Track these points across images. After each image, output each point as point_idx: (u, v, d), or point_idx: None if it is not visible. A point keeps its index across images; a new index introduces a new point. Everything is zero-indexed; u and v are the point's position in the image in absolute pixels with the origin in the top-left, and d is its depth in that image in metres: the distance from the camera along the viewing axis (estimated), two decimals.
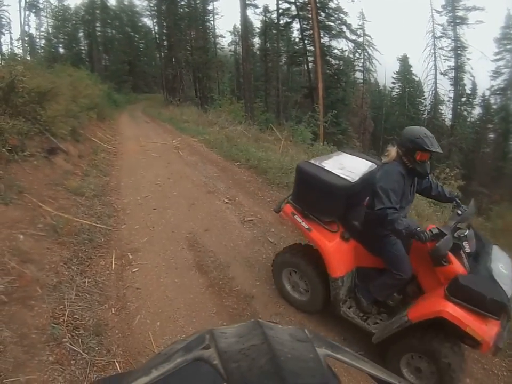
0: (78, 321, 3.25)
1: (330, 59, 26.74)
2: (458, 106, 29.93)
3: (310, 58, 26.92)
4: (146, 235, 5.23)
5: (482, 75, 32.59)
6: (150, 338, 3.26)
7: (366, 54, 31.55)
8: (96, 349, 3.02)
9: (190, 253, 4.80)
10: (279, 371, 0.47)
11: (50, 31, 35.39)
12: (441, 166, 18.51)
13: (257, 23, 32.89)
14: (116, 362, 2.95)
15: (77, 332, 3.12)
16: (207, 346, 0.53)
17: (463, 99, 30.05)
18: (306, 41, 27.04)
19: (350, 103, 27.59)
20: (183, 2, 30.70)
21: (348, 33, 27.49)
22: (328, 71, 25.93)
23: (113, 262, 4.40)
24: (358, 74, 32.96)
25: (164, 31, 32.16)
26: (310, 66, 27.23)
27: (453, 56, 28.72)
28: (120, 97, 27.57)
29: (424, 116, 35.06)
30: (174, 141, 12.31)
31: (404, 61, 35.46)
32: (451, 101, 30.02)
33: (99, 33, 37.10)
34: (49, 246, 4.23)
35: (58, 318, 3.19)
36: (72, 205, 5.59)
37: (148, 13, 35.19)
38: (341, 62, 27.74)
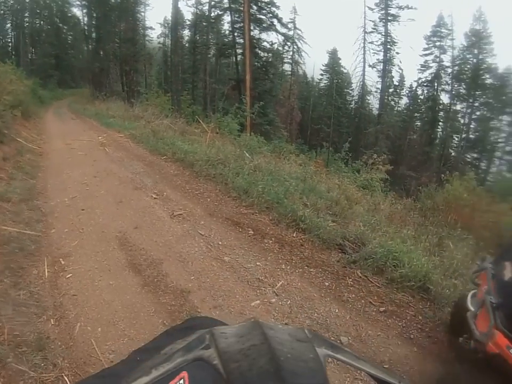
0: (19, 338, 3.15)
1: (259, 51, 27.32)
2: (386, 97, 32.43)
3: (239, 51, 27.45)
4: (77, 238, 5.30)
5: (410, 69, 35.03)
6: (93, 346, 3.22)
7: (295, 46, 32.68)
8: (42, 365, 2.93)
9: (121, 253, 4.89)
10: (279, 371, 0.46)
11: None
12: (368, 152, 19.88)
13: (188, 15, 32.87)
14: (65, 376, 2.88)
15: (20, 350, 3.02)
16: (207, 346, 0.52)
17: (391, 90, 32.81)
18: (236, 34, 27.54)
19: (277, 94, 28.48)
20: None
21: (278, 27, 28.17)
22: (256, 63, 26.51)
23: (46, 270, 4.41)
24: (287, 66, 34.09)
25: (93, 22, 31.21)
26: (239, 59, 27.72)
27: (382, 50, 31.08)
28: (46, 93, 26.81)
29: (351, 105, 37.92)
30: (99, 138, 12.34)
31: (333, 53, 37.62)
32: (379, 91, 32.27)
33: (27, 24, 35.71)
34: None
35: None
36: None
37: (78, 2, 33.82)
38: (270, 54, 28.36)
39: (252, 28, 25.39)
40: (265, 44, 27.95)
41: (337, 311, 3.80)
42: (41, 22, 37.25)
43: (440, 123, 31.12)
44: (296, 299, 3.97)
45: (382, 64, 31.54)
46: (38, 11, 36.17)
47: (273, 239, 5.27)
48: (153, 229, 5.61)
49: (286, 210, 5.85)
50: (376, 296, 4.04)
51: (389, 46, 30.98)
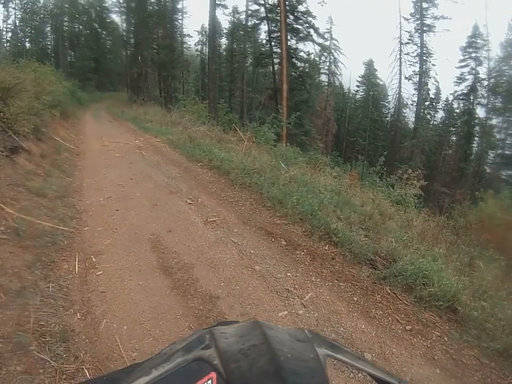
0: (44, 328, 3.17)
1: (296, 61, 27.08)
2: (422, 110, 31.37)
3: (276, 60, 27.23)
4: (109, 237, 5.24)
5: (446, 81, 34.19)
6: (117, 342, 3.21)
7: (332, 57, 32.52)
8: (64, 356, 2.95)
9: (153, 255, 4.82)
10: (279, 371, 0.47)
11: (17, 24, 34.73)
12: (403, 167, 19.37)
13: (225, 23, 33.64)
14: (85, 369, 2.89)
15: (43, 339, 3.04)
16: (207, 346, 0.53)
17: (427, 103, 31.71)
18: (273, 43, 27.36)
19: (313, 105, 28.07)
20: (152, 0, 30.48)
21: (315, 37, 27.81)
22: (293, 73, 26.22)
23: (76, 265, 4.38)
24: (323, 77, 33.82)
25: (132, 28, 31.89)
26: (276, 68, 27.50)
27: (418, 61, 30.28)
28: (84, 95, 27.16)
29: (387, 118, 37.08)
30: (136, 141, 12.41)
31: (369, 65, 37.09)
32: (414, 104, 31.38)
33: (66, 28, 36.85)
34: (11, 249, 4.20)
35: (24, 325, 3.12)
36: (34, 207, 5.57)
37: (116, 9, 34.91)
38: (307, 64, 28.11)
39: (288, 37, 25.25)
40: (302, 54, 27.83)
41: (363, 326, 3.72)
42: (80, 27, 38.21)
43: (476, 138, 29.81)
44: (323, 312, 3.88)
45: (418, 76, 30.82)
46: (77, 16, 37.14)
47: (305, 250, 5.15)
48: (186, 234, 5.50)
49: (320, 222, 5.71)
50: (403, 314, 3.95)
51: (424, 58, 30.28)
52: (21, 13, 34.69)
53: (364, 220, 6.22)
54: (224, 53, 32.88)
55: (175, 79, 31.96)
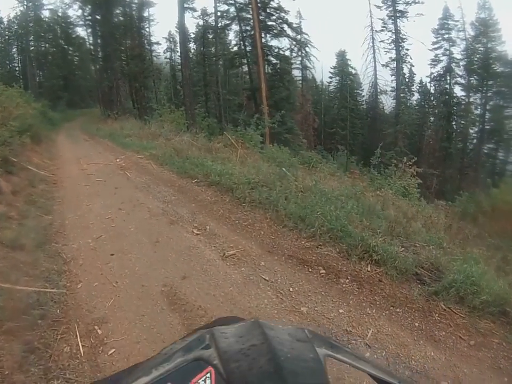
0: None
1: (272, 58, 26.48)
2: (401, 95, 31.47)
3: (250, 60, 26.65)
4: (111, 295, 4.16)
5: (419, 64, 34.52)
6: None
7: (303, 51, 31.72)
8: None
9: (173, 315, 3.78)
10: (279, 371, 0.47)
11: None
12: (389, 153, 18.98)
13: (192, 28, 32.57)
14: None
15: None
16: (207, 346, 0.53)
17: (402, 87, 31.69)
18: (246, 43, 26.93)
19: (294, 101, 27.49)
20: (118, 11, 29.55)
21: (289, 31, 27.33)
22: (270, 71, 25.76)
23: (80, 345, 3.34)
24: (296, 72, 33.32)
25: (99, 41, 30.82)
26: (251, 68, 26.92)
27: (394, 48, 30.36)
28: (56, 115, 26.26)
29: (362, 106, 37.38)
30: (118, 160, 11.19)
31: (341, 55, 36.64)
32: (391, 90, 31.67)
33: (32, 47, 35.89)
34: None
35: None
36: (11, 266, 4.42)
37: (81, 22, 33.53)
38: (283, 61, 27.42)
39: (262, 35, 24.60)
40: (276, 50, 27.03)
41: (432, 353, 3.38)
42: (46, 45, 37.07)
43: (455, 117, 30.23)
44: (390, 348, 3.44)
45: (394, 62, 30.71)
46: (42, 34, 36.05)
47: (349, 277, 4.46)
48: (205, 278, 4.49)
49: (355, 240, 4.96)
50: (463, 329, 3.69)
51: (400, 43, 30.16)
52: None
53: (392, 227, 5.61)
54: (194, 58, 31.93)
55: (148, 89, 31.24)
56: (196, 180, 8.21)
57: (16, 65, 36.92)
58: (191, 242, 5.47)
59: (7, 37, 35.52)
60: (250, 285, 4.31)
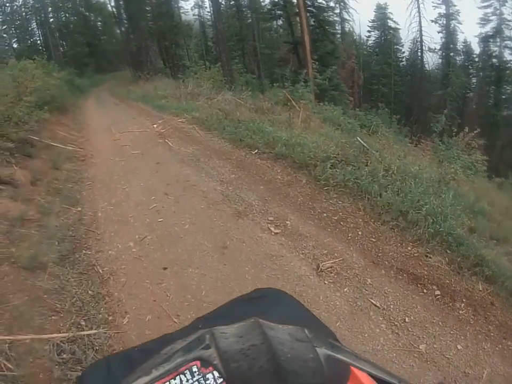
0: None
1: (314, 10, 24.04)
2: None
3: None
4: None
5: (466, 22, 31.66)
6: None
7: (341, 3, 29.55)
8: None
9: None
10: (279, 371, 0.46)
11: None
12: (437, 116, 17.31)
13: None
14: None
15: None
16: (207, 346, 0.52)
17: (452, 46, 29.91)
18: None
19: (340, 56, 25.24)
20: None
21: None
22: (313, 23, 23.46)
23: None
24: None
25: (121, 2, 29.27)
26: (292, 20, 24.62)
27: (443, 3, 28.42)
28: (83, 82, 25.63)
29: (402, 63, 35.18)
30: (155, 126, 9.52)
31: (381, 8, 34.14)
32: (437, 49, 29.92)
33: (52, 19, 35.29)
34: None
35: None
36: (32, 301, 3.03)
37: None
38: (325, 12, 25.24)
39: None
40: (320, 0, 24.64)
41: None
42: (67, 15, 36.75)
43: (505, 82, 27.83)
44: None
45: (443, 19, 28.54)
46: (60, 5, 35.46)
47: (464, 300, 3.47)
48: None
49: (468, 249, 3.86)
50: None
51: None
52: (0, 16, 33.31)
53: (491, 227, 4.64)
54: (225, 11, 29.95)
55: (179, 46, 29.90)
56: (256, 151, 6.55)
57: (37, 39, 36.29)
58: (271, 247, 3.97)
59: (24, 13, 34.82)
60: (359, 316, 3.19)
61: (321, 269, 3.61)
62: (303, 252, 3.89)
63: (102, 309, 3.20)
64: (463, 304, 3.47)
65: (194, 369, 0.70)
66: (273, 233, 4.18)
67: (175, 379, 0.68)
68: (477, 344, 3.11)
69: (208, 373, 0.68)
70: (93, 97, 20.30)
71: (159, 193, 5.39)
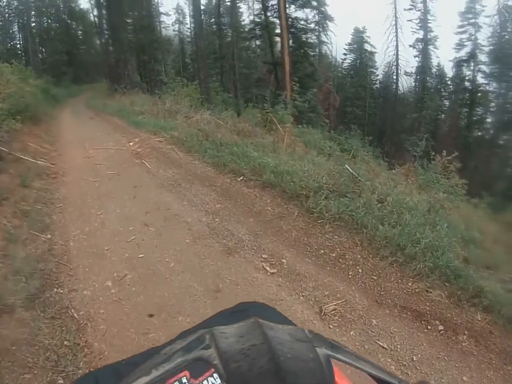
0: None
1: (296, 31, 24.42)
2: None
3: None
4: None
5: (444, 47, 33.41)
6: None
7: (321, 25, 30.00)
8: None
9: None
10: (279, 371, 0.45)
11: None
12: (412, 139, 17.74)
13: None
14: None
15: None
16: (207, 346, 0.50)
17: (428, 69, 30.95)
18: (268, 13, 24.72)
19: (319, 79, 25.74)
20: None
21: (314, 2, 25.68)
22: (293, 45, 23.63)
23: None
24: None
25: (104, 12, 29.14)
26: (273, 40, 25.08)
27: (421, 28, 29.42)
28: (59, 91, 25.07)
29: (376, 85, 36.03)
30: (131, 144, 9.03)
31: (359, 32, 35.07)
32: (412, 73, 30.81)
33: (34, 24, 34.91)
34: None
35: None
36: None
37: None
38: (307, 34, 25.81)
39: (287, 5, 22.62)
40: (302, 22, 25.16)
41: None
42: (49, 20, 36.25)
43: (477, 105, 29.02)
44: None
45: (420, 43, 29.47)
46: (44, 10, 35.13)
47: (465, 332, 3.53)
48: None
49: (466, 282, 3.96)
50: None
51: (429, 24, 28.87)
52: None
53: (483, 255, 4.81)
54: (206, 29, 30.10)
55: (157, 61, 29.39)
56: (241, 178, 6.21)
57: (17, 43, 35.60)
58: (268, 289, 3.64)
59: (7, 15, 34.14)
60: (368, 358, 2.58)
61: (324, 312, 3.43)
62: (303, 293, 3.63)
63: (81, 363, 2.79)
64: (465, 336, 3.52)
65: (184, 380, 0.71)
66: (269, 274, 3.84)
67: None
68: (480, 373, 3.19)
69: None
70: (69, 108, 19.85)
71: (138, 223, 4.94)
